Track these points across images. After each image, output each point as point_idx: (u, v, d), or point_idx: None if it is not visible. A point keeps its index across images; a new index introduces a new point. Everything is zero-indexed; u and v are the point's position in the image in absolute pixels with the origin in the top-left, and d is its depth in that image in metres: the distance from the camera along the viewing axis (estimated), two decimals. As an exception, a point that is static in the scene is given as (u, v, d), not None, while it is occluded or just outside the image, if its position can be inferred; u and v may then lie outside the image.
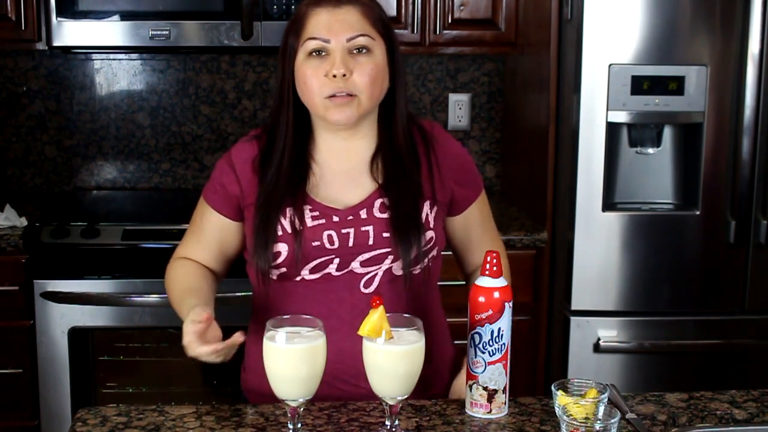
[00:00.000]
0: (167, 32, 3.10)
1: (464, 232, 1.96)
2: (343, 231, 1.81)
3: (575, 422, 1.49)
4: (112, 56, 3.55)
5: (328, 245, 1.81)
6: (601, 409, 1.52)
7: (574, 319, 3.01)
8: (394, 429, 1.62)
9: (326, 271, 1.82)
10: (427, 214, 1.85)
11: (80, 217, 3.13)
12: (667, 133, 3.02)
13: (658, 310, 3.03)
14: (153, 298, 2.95)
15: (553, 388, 1.60)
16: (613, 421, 1.48)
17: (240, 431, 1.66)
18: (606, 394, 1.59)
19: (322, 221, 1.82)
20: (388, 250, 1.81)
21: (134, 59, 3.57)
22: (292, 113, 1.83)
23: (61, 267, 2.99)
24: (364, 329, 1.57)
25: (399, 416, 1.63)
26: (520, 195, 3.47)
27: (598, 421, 1.50)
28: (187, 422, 1.70)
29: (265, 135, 1.89)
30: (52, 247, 2.98)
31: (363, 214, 1.83)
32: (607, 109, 2.90)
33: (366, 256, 1.82)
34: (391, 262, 1.82)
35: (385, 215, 1.82)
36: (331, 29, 1.77)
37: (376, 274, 1.83)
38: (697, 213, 2.98)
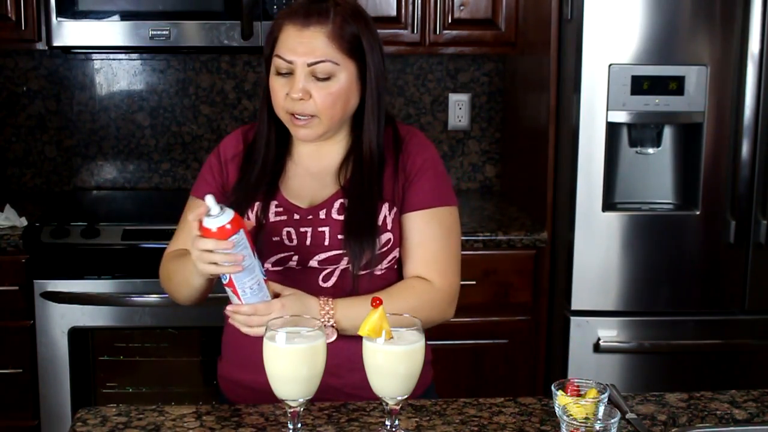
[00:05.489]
0: (167, 32, 3.10)
1: (403, 237, 1.89)
2: (302, 229, 1.85)
3: (575, 422, 1.49)
4: (112, 56, 3.55)
5: (287, 242, 1.85)
6: (601, 409, 1.52)
7: (574, 319, 3.01)
8: (394, 429, 1.62)
9: (288, 265, 1.86)
10: (386, 216, 1.87)
11: (80, 217, 3.13)
12: (667, 133, 3.02)
13: (658, 310, 3.03)
14: (153, 298, 2.96)
15: (553, 388, 1.60)
16: (613, 421, 1.48)
17: (240, 431, 1.66)
18: (606, 394, 1.59)
19: (284, 217, 1.86)
20: (343, 251, 1.84)
21: (134, 59, 3.57)
22: (268, 114, 1.89)
23: (61, 267, 2.99)
24: (364, 329, 1.57)
25: (399, 416, 1.64)
26: (520, 195, 3.47)
27: (598, 421, 1.50)
28: (187, 422, 1.70)
29: (253, 131, 1.95)
30: (52, 247, 2.98)
31: (322, 214, 1.87)
32: (607, 109, 2.90)
33: (323, 255, 1.85)
34: (347, 263, 1.84)
35: (341, 217, 1.86)
36: (295, 51, 1.80)
37: (334, 271, 1.86)
38: (697, 213, 2.98)
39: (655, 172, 3.04)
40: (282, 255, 1.85)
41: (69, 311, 2.99)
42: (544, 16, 3.08)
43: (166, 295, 2.98)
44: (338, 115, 1.85)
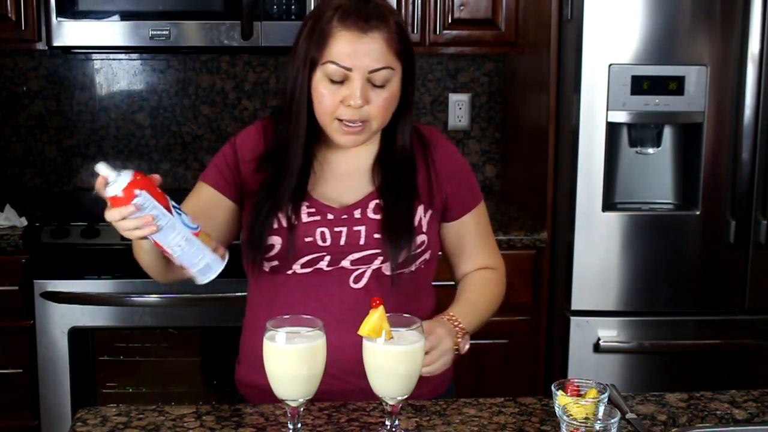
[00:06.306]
0: (167, 32, 3.10)
1: (457, 241, 1.97)
2: (336, 229, 1.83)
3: (575, 422, 1.49)
4: (112, 56, 3.55)
5: (320, 242, 1.83)
6: (601, 409, 1.52)
7: (574, 319, 3.01)
8: (394, 429, 1.62)
9: (317, 266, 1.84)
10: (421, 218, 1.87)
11: (80, 217, 3.13)
12: (667, 133, 3.02)
13: (658, 310, 3.03)
14: (153, 298, 2.96)
15: (553, 388, 1.60)
16: (613, 421, 1.48)
17: (240, 431, 1.66)
18: (606, 394, 1.59)
19: (317, 218, 1.84)
20: (378, 250, 1.83)
21: (134, 59, 3.57)
22: (305, 117, 1.82)
23: (61, 267, 2.99)
24: (364, 329, 1.57)
25: (399, 416, 1.63)
26: (520, 195, 3.47)
27: (598, 421, 1.50)
28: (187, 422, 1.70)
29: (271, 125, 1.90)
30: (52, 247, 2.98)
31: (357, 214, 1.85)
32: (607, 109, 2.90)
33: (356, 255, 1.83)
34: (381, 263, 1.83)
35: (378, 216, 1.84)
36: (355, 58, 1.74)
37: (365, 271, 1.84)
38: (697, 213, 2.98)
39: (655, 172, 3.04)
40: (313, 256, 1.82)
41: (69, 311, 2.99)
42: (544, 16, 3.08)
43: (166, 295, 3.01)
44: (387, 120, 1.82)
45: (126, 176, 1.58)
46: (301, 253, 1.82)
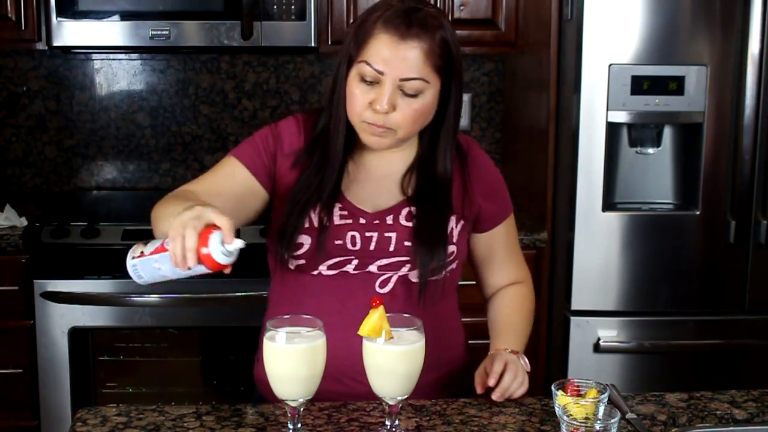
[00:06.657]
0: (167, 32, 3.10)
1: (487, 252, 1.99)
2: (367, 234, 1.82)
3: (575, 422, 1.49)
4: (112, 56, 3.55)
5: (350, 245, 1.82)
6: (601, 409, 1.52)
7: (574, 319, 3.01)
8: (394, 429, 1.62)
9: (344, 269, 1.83)
10: (452, 228, 1.86)
11: (80, 217, 3.13)
12: (667, 133, 3.02)
13: (658, 310, 3.04)
14: (153, 298, 2.96)
15: (553, 388, 1.60)
16: (613, 421, 1.48)
17: (240, 431, 1.66)
18: (606, 394, 1.59)
19: (349, 221, 1.83)
20: (407, 258, 1.82)
21: (134, 59, 3.57)
22: (345, 112, 1.81)
23: (61, 267, 2.99)
24: (364, 329, 1.57)
25: (399, 416, 1.63)
26: (520, 195, 3.47)
27: (598, 421, 1.50)
28: (187, 422, 1.70)
29: (310, 121, 1.88)
30: (52, 247, 2.98)
31: (389, 219, 1.84)
32: (607, 109, 2.90)
33: (384, 261, 1.83)
34: (408, 270, 1.83)
35: (409, 224, 1.83)
36: (389, 63, 1.73)
37: (392, 277, 1.83)
38: (697, 213, 2.98)
39: (655, 172, 3.04)
40: (341, 258, 1.82)
41: (69, 311, 2.99)
42: (544, 16, 3.08)
43: (166, 295, 3.00)
44: (415, 131, 1.81)
45: (229, 260, 1.54)
46: (329, 255, 1.81)
